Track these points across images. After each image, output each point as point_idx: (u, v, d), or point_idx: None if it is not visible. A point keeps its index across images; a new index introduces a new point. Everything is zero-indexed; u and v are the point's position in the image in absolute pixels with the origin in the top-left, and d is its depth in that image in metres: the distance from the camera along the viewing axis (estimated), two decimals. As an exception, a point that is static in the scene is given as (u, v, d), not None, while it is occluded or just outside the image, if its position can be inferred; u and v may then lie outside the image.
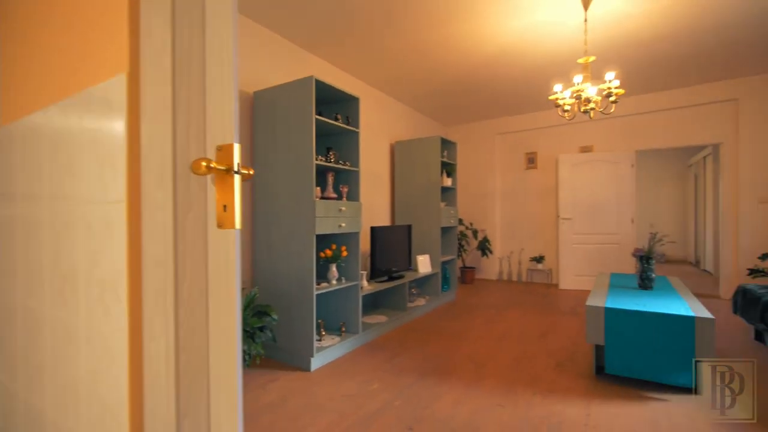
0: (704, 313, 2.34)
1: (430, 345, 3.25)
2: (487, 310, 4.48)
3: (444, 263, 4.99)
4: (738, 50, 3.86)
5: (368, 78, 4.46)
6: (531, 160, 6.19)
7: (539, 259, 5.97)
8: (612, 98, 2.90)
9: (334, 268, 3.01)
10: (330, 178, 3.01)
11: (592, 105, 2.96)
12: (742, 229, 4.58)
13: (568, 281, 5.56)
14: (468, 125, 6.74)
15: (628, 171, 5.28)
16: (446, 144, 5.04)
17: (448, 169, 5.11)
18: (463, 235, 6.24)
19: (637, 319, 2.43)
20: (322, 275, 3.07)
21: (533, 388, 2.43)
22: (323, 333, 2.98)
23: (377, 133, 4.86)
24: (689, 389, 2.33)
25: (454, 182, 5.16)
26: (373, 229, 3.68)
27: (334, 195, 3.02)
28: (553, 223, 5.92)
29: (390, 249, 3.99)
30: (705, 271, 6.85)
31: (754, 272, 4.03)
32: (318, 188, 2.83)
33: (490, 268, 6.53)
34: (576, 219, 5.51)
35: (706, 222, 6.80)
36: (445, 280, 4.99)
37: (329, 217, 2.81)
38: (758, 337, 3.22)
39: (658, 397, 2.29)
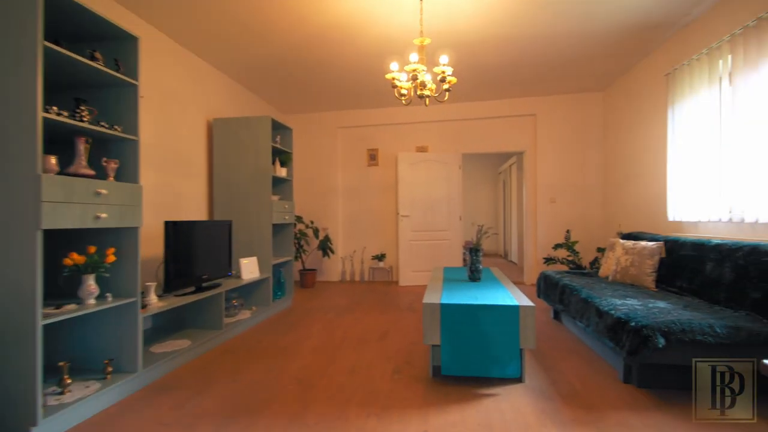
0: (526, 301, 2.36)
1: (249, 369, 2.55)
2: (326, 314, 4.01)
3: (277, 266, 4.32)
4: (539, 72, 4.47)
5: (168, 28, 3.45)
6: (373, 157, 6.08)
7: (380, 257, 5.89)
8: (446, 85, 2.79)
9: (90, 280, 2.01)
10: (81, 146, 1.99)
11: (427, 91, 2.80)
12: (539, 225, 5.38)
13: (407, 278, 5.61)
14: (309, 116, 6.23)
15: (456, 172, 5.66)
16: (279, 128, 4.39)
17: (283, 157, 4.47)
18: (302, 234, 5.68)
19: (471, 314, 2.29)
20: (70, 292, 2.02)
21: (368, 408, 2.01)
22: (68, 381, 1.94)
23: (187, 105, 3.84)
24: (518, 379, 2.30)
25: (289, 173, 4.55)
26: (168, 225, 2.74)
27: (89, 171, 2.01)
28: (394, 221, 5.93)
29: (199, 251, 3.09)
30: (511, 261, 8.07)
31: (548, 260, 4.71)
32: (52, 157, 1.81)
33: (333, 269, 6.15)
34: (414, 216, 5.61)
35: (512, 220, 8.03)
36: (279, 286, 4.32)
37: (75, 203, 1.82)
38: (556, 316, 3.65)
39: (490, 393, 2.17)
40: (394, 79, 2.80)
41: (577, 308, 2.82)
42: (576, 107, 5.26)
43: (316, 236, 5.80)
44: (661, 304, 2.41)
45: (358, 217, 6.15)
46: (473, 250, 3.03)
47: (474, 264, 3.03)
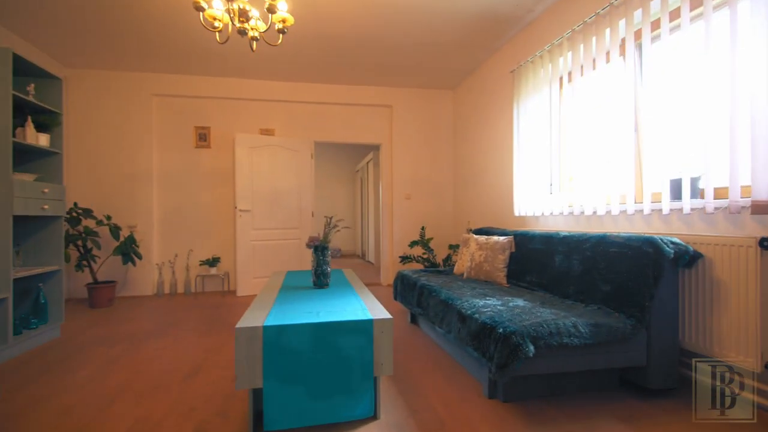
0: (381, 311, 1.80)
1: None
2: (114, 347, 2.77)
3: (31, 280, 2.82)
4: (396, 61, 4.16)
5: None
6: (203, 137, 4.86)
7: (212, 262, 4.72)
8: (279, 24, 2.05)
9: None
10: None
11: (252, 29, 2.01)
12: (396, 222, 5.13)
13: (247, 286, 4.61)
14: (110, 74, 4.61)
15: (308, 161, 4.96)
16: (35, 74, 2.91)
17: (44, 119, 2.98)
18: (88, 232, 4.08)
19: (307, 337, 1.60)
20: None
21: None
22: None
23: None
24: (371, 418, 1.71)
25: (56, 143, 3.07)
26: None
27: None
28: (232, 217, 4.84)
29: None
30: (369, 262, 7.82)
31: (404, 259, 4.44)
32: None
33: (144, 279, 4.67)
34: (256, 211, 4.66)
35: (369, 219, 7.78)
36: (38, 310, 2.83)
37: None
38: (414, 320, 3.30)
39: (332, 453, 1.51)
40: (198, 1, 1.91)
41: (436, 311, 2.45)
42: (429, 103, 5.20)
43: (116, 237, 4.25)
44: (520, 301, 2.19)
45: (182, 212, 4.83)
46: (319, 249, 2.36)
47: (320, 266, 2.37)
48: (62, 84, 3.15)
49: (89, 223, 4.27)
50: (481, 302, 2.17)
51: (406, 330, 3.14)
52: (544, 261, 2.54)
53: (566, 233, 2.45)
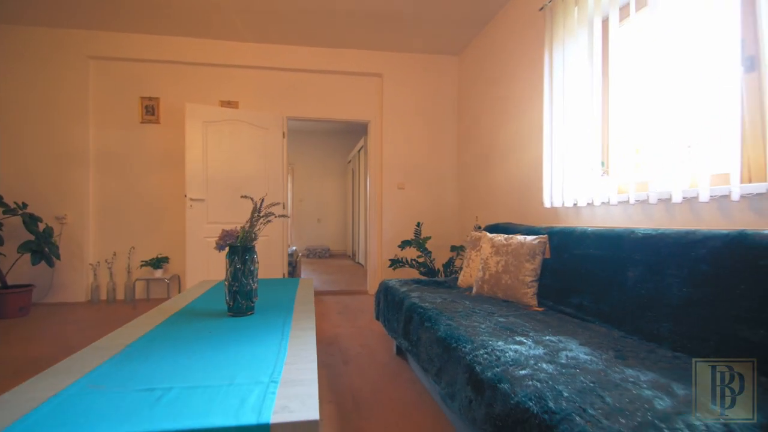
0: (306, 398, 0.86)
1: None
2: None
3: None
4: (387, 9, 3.24)
5: None
6: (150, 110, 3.95)
7: (157, 263, 3.80)
8: None
9: None
10: None
11: None
12: (386, 217, 4.20)
13: (198, 295, 3.69)
14: (33, 30, 3.72)
15: (279, 141, 4.03)
16: None
17: None
18: (-13, 227, 3.18)
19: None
20: None
21: None
22: None
23: None
24: None
25: None
26: None
27: None
28: (183, 208, 3.93)
29: None
30: (359, 263, 6.89)
31: (395, 263, 3.51)
32: None
33: (76, 283, 3.78)
34: (211, 201, 3.74)
35: (360, 214, 6.85)
36: None
37: None
38: (401, 350, 2.37)
39: None
40: None
41: (431, 354, 1.52)
42: (428, 71, 4.26)
43: (31, 230, 3.34)
44: (573, 345, 1.26)
45: (124, 201, 3.93)
46: (237, 252, 1.44)
47: (238, 280, 1.44)
48: None
49: (-2, 212, 3.36)
50: (508, 347, 1.24)
51: (389, 366, 2.21)
52: (604, 275, 1.59)
53: (647, 231, 1.48)
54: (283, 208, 4.05)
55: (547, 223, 2.47)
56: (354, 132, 7.71)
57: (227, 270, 1.45)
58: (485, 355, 1.20)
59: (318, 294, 4.22)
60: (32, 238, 3.39)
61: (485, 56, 3.57)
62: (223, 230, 1.45)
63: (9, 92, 3.68)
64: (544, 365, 1.10)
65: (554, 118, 2.31)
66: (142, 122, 3.93)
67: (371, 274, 4.26)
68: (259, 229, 1.53)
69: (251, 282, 1.46)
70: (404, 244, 3.49)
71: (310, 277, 2.48)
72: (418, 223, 3.72)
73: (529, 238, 1.97)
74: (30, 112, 3.72)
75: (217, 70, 4.02)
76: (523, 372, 1.06)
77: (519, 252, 1.95)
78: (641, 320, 1.38)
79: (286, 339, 1.20)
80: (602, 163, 2.08)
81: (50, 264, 3.39)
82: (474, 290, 2.14)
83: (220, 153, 3.77)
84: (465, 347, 1.30)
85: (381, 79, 4.22)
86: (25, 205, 3.44)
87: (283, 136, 4.06)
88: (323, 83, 4.19)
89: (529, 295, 1.87)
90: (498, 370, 1.10)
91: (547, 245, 1.93)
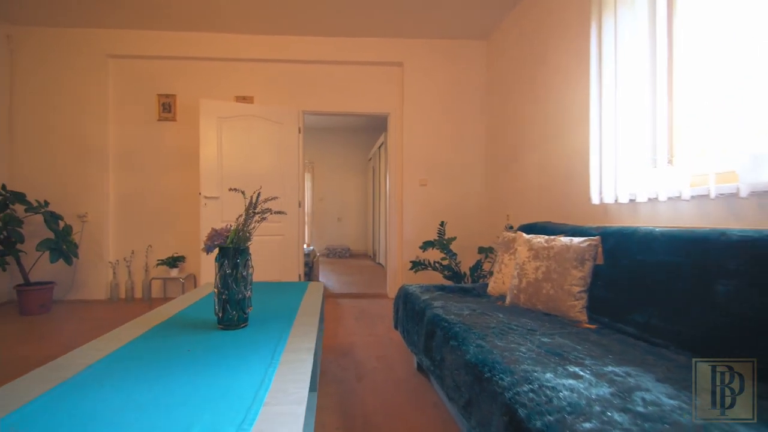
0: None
1: None
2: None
3: None
4: (403, 1, 2.99)
5: None
6: (167, 107, 3.85)
7: (172, 263, 3.69)
8: None
9: None
10: None
11: None
12: (407, 216, 3.93)
13: (211, 296, 3.55)
14: (56, 31, 3.70)
15: (294, 136, 3.84)
16: None
17: None
18: (9, 220, 3.14)
19: None
20: None
21: None
22: None
23: None
24: None
25: None
26: None
27: None
28: (199, 206, 3.80)
29: None
30: (379, 264, 6.65)
31: (416, 265, 3.23)
32: None
33: (96, 280, 3.75)
34: (226, 199, 3.58)
35: (380, 213, 6.61)
36: None
37: None
38: (422, 366, 2.09)
39: None
40: None
41: (457, 380, 1.25)
42: (452, 58, 3.95)
43: (52, 227, 3.29)
44: (660, 390, 0.95)
45: (142, 199, 3.86)
46: (227, 255, 1.21)
47: (227, 288, 1.22)
48: None
49: (19, 209, 3.32)
50: (560, 383, 0.95)
51: (408, 384, 1.94)
52: (681, 287, 1.26)
53: (746, 233, 1.12)
54: (299, 206, 3.86)
55: (594, 222, 2.12)
56: (374, 128, 7.48)
57: (216, 275, 1.23)
58: (531, 394, 0.92)
59: (335, 297, 4.00)
60: (52, 236, 3.34)
61: (517, 37, 3.23)
62: (213, 229, 1.23)
63: (32, 92, 3.67)
64: (616, 415, 0.80)
65: (604, 99, 1.97)
66: (159, 120, 3.84)
67: (391, 276, 4.00)
68: (253, 227, 1.29)
69: (243, 289, 1.23)
70: (426, 245, 3.21)
71: (321, 282, 2.25)
72: (442, 223, 3.43)
73: (576, 240, 1.65)
74: (52, 111, 3.70)
75: (232, 64, 3.87)
76: (587, 426, 0.77)
77: (563, 256, 1.64)
78: (740, 348, 1.05)
79: (274, 365, 0.96)
80: (668, 151, 1.73)
81: (68, 262, 3.33)
82: (508, 300, 1.84)
83: (234, 149, 3.62)
84: (503, 379, 1.01)
85: (401, 68, 3.95)
86: (46, 203, 3.40)
87: (299, 131, 3.86)
88: (340, 75, 3.96)
89: (576, 308, 1.56)
90: (551, 419, 0.81)
91: (600, 249, 1.60)
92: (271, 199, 1.35)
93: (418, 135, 3.93)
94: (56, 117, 3.70)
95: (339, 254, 7.52)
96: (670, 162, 1.74)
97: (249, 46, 3.81)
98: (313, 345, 1.09)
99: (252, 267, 1.27)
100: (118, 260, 3.81)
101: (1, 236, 3.14)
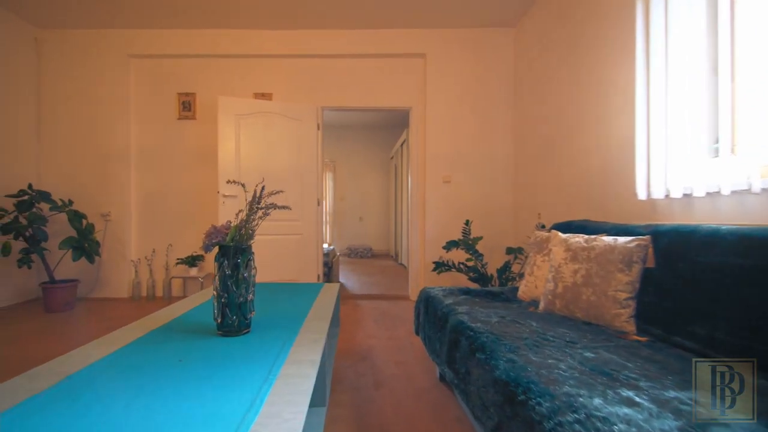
0: None
1: None
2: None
3: None
4: None
5: None
6: (187, 106, 3.84)
7: (192, 261, 3.68)
8: None
9: None
10: None
11: None
12: (429, 214, 3.76)
13: (229, 296, 3.50)
14: (80, 33, 3.77)
15: (313, 133, 3.74)
16: None
17: None
18: (35, 219, 3.19)
19: None
20: None
21: None
22: None
23: None
24: None
25: None
26: None
27: None
28: (218, 205, 3.77)
29: None
30: (401, 264, 6.49)
31: (439, 266, 3.06)
32: None
33: (119, 278, 3.78)
34: (244, 197, 3.52)
35: (402, 211, 6.46)
36: None
37: None
38: (445, 377, 1.93)
39: None
40: None
41: (486, 401, 1.09)
42: (478, 48, 3.74)
43: (75, 226, 3.34)
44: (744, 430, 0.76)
45: (162, 198, 3.87)
46: (227, 254, 1.10)
47: (227, 291, 1.10)
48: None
49: (44, 208, 3.39)
50: (612, 412, 0.77)
51: (430, 395, 1.78)
52: (757, 295, 1.05)
53: None
54: (318, 204, 3.76)
55: (642, 219, 1.89)
56: (396, 125, 7.34)
57: (215, 277, 1.12)
58: (577, 426, 0.75)
59: (354, 298, 3.88)
60: (75, 234, 3.38)
61: (549, 22, 3.01)
62: (212, 226, 1.12)
63: (58, 94, 3.75)
64: (695, 463, 0.63)
65: (652, 81, 1.74)
66: (179, 118, 3.84)
67: (413, 277, 3.84)
68: (256, 223, 1.18)
69: (245, 292, 1.12)
70: (450, 245, 3.03)
71: (337, 283, 2.13)
72: (467, 221, 3.24)
73: (622, 239, 1.45)
74: (77, 111, 3.76)
75: (251, 61, 3.82)
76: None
77: (607, 258, 1.44)
78: None
79: (271, 380, 0.83)
80: (730, 135, 1.50)
81: (90, 260, 3.37)
82: (541, 306, 1.65)
83: (253, 147, 3.56)
84: (540, 404, 0.85)
85: (424, 60, 3.78)
86: (70, 202, 3.45)
87: (318, 128, 3.77)
88: (360, 68, 3.84)
89: (623, 317, 1.36)
90: (607, 464, 0.64)
91: (650, 250, 1.40)
92: (276, 192, 1.23)
93: (442, 129, 3.75)
94: (81, 117, 3.76)
95: (360, 254, 7.42)
96: (732, 151, 1.51)
97: (268, 41, 3.75)
98: (318, 357, 0.96)
99: (255, 268, 1.16)
100: (139, 259, 3.83)
101: (27, 234, 3.20)
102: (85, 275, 3.69)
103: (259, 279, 3.41)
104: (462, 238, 3.10)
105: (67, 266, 3.52)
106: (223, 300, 1.10)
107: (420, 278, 3.77)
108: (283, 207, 1.23)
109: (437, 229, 3.70)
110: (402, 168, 6.38)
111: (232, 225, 1.13)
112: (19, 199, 3.21)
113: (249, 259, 1.18)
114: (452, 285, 2.23)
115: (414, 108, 3.84)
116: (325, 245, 4.46)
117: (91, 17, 3.54)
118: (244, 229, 1.15)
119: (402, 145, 6.25)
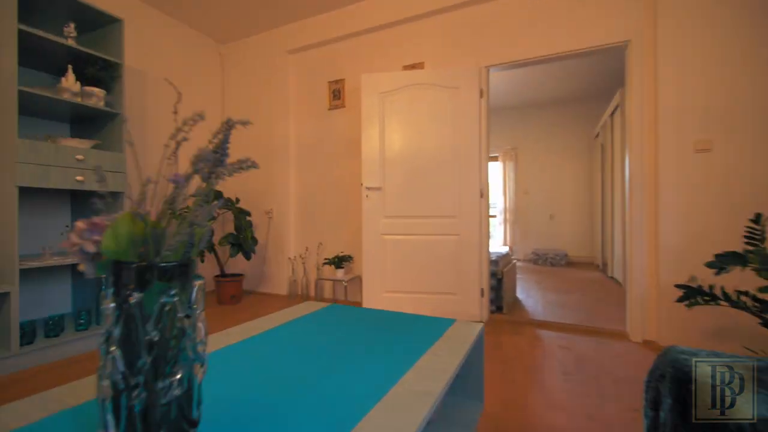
0: None
1: None
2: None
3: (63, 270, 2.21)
4: None
5: None
6: (337, 94, 3.61)
7: (338, 263, 3.38)
8: None
9: None
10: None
11: None
12: (665, 206, 2.29)
13: (376, 301, 3.00)
14: (250, 40, 4.06)
15: (474, 103, 2.84)
16: (80, 11, 2.25)
17: (99, 72, 2.33)
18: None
19: None
20: None
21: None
22: None
23: None
24: None
25: (114, 102, 2.39)
26: None
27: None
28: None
29: None
30: (613, 279, 4.74)
31: (690, 293, 1.68)
32: None
33: (279, 276, 3.89)
34: (389, 190, 2.99)
35: (614, 207, 4.70)
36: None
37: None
38: None
39: None
40: None
41: None
42: None
43: (240, 223, 3.55)
44: None
45: (314, 193, 3.77)
46: (119, 278, 0.45)
47: (130, 365, 0.53)
48: (122, 27, 2.46)
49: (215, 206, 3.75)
50: None
51: None
52: None
53: None
54: (481, 195, 2.85)
55: None
56: (599, 95, 5.53)
57: (104, 340, 0.47)
58: None
59: (534, 325, 2.76)
60: (233, 231, 3.59)
61: None
62: (78, 222, 0.48)
63: (234, 100, 4.13)
64: None
65: None
66: (329, 108, 3.64)
67: (635, 303, 2.43)
68: (194, 206, 0.47)
69: (177, 369, 0.42)
70: (723, 260, 1.58)
71: (478, 323, 1.21)
72: (757, 217, 1.70)
73: None
74: (247, 115, 4.02)
75: (398, 29, 3.25)
76: None
77: None
78: None
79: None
80: None
81: (247, 257, 3.50)
82: None
83: (397, 129, 2.97)
84: None
85: (651, -42, 2.33)
86: (237, 200, 3.71)
87: (481, 95, 2.85)
88: (539, 3, 2.71)
89: None
90: None
91: None
92: (243, 122, 0.50)
93: (689, 65, 2.22)
94: (252, 120, 4.01)
95: (551, 261, 5.93)
96: None
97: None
98: None
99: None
100: (295, 257, 3.82)
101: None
102: (254, 270, 3.93)
103: (416, 289, 2.78)
104: (748, 249, 1.61)
105: (241, 261, 3.80)
106: (120, 398, 0.44)
107: (649, 308, 2.34)
108: (251, 166, 0.49)
109: (682, 231, 2.20)
110: (613, 146, 4.67)
111: (121, 214, 0.46)
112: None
113: (190, 291, 0.47)
114: (717, 325, 1.01)
115: (633, 41, 2.42)
116: (496, 249, 3.47)
117: (259, 23, 3.71)
118: (162, 220, 0.46)
119: (612, 114, 4.56)
